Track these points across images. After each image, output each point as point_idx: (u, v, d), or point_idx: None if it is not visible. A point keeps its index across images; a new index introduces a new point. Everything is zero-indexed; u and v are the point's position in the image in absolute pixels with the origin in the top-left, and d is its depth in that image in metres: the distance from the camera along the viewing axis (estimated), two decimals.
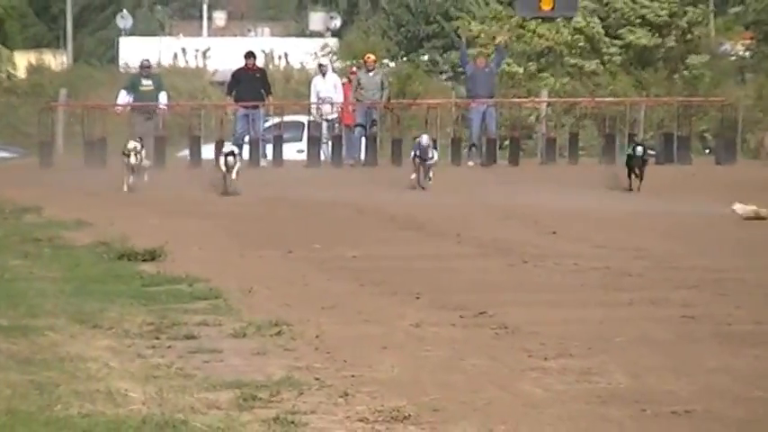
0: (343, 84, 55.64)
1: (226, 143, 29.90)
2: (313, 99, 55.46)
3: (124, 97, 53.69)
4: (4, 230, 30.45)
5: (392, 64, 62.21)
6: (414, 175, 42.32)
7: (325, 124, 55.05)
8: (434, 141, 45.82)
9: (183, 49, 72.86)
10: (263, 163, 52.07)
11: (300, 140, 54.40)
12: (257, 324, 18.14)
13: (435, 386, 14.40)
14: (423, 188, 40.92)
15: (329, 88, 55.16)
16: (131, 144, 28.61)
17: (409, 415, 12.96)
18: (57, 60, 76.64)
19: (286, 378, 14.67)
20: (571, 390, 14.69)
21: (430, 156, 43.18)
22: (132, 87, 53.58)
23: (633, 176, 40.83)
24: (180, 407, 13.32)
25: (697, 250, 28.42)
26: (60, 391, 13.94)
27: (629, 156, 41.17)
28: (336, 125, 54.97)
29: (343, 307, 19.88)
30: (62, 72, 73.19)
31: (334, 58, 69.82)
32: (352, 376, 14.80)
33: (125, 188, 26.96)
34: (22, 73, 73.45)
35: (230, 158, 26.45)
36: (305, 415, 13.17)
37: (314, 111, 55.44)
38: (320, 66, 58.64)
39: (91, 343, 16.72)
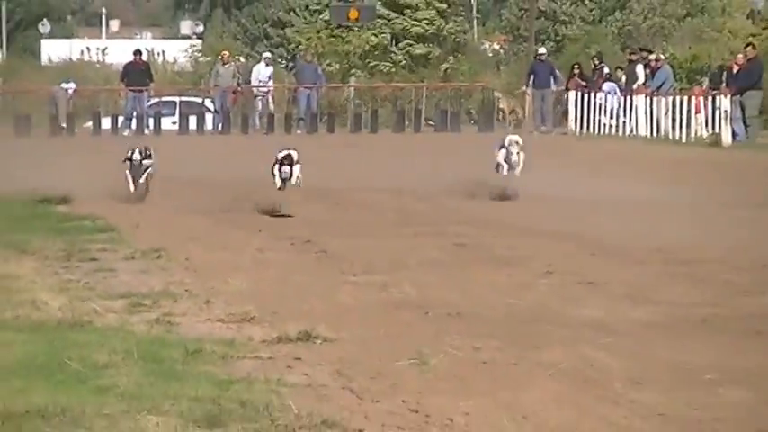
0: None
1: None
2: (254, 81, 55.72)
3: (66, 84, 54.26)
4: None
5: (242, 59, 62.12)
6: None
7: (260, 100, 55.28)
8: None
9: (88, 48, 73.14)
10: (146, 132, 50.80)
11: (174, 115, 53.58)
12: (142, 250, 18.23)
13: (273, 296, 14.51)
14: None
15: (266, 75, 55.77)
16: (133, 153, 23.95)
17: (254, 317, 13.00)
18: None
19: (164, 290, 14.76)
20: (373, 298, 14.85)
21: None
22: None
23: None
24: (86, 311, 13.26)
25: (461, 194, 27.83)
26: None
27: None
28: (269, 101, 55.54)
29: (205, 238, 19.91)
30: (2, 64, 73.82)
31: (199, 54, 70.54)
32: (212, 288, 14.84)
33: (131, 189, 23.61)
34: None
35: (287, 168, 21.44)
36: (178, 317, 13.22)
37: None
38: (266, 58, 58.56)
39: (19, 264, 16.66)
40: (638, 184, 28.30)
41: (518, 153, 25.62)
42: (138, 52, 56.31)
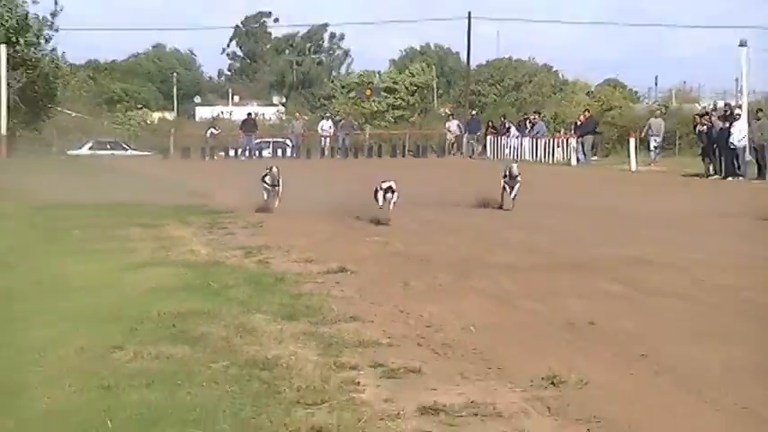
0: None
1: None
2: (319, 130, 54.12)
3: (211, 130, 54.19)
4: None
5: (306, 117, 61.69)
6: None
7: (323, 139, 53.43)
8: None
9: (222, 111, 72.49)
10: (253, 157, 50.23)
11: (269, 148, 53.73)
12: (251, 223, 17.67)
13: (323, 249, 13.92)
14: None
15: (327, 126, 53.95)
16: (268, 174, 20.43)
17: (313, 259, 12.74)
18: None
19: (263, 245, 14.30)
20: (379, 250, 14.30)
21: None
22: None
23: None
24: (221, 256, 13.16)
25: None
26: (171, 250, 13.74)
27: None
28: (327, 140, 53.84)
29: (291, 220, 18.65)
30: (175, 120, 72.48)
31: (283, 115, 70.04)
32: (291, 245, 14.36)
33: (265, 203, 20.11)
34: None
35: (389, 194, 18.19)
36: (271, 259, 12.98)
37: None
38: (327, 117, 57.10)
39: (184, 230, 16.49)
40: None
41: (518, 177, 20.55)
42: (249, 114, 55.86)
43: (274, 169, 19.70)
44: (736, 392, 6.73)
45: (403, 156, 52.62)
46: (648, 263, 12.94)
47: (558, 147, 45.12)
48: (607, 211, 21.28)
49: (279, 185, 19.68)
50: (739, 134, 31.75)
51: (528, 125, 48.33)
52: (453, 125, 54.67)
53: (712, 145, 33.03)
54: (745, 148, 31.76)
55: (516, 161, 22.55)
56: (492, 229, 17.54)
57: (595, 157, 46.58)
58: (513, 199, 20.35)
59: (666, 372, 7.37)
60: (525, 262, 13.18)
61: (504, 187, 20.51)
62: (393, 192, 18.11)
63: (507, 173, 20.54)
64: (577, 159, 43.35)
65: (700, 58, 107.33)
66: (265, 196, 19.64)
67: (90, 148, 50.85)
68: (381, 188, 18.20)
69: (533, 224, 18.29)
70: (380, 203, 18.07)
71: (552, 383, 6.91)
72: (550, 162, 44.20)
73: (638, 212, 21.06)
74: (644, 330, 8.82)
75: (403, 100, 69.80)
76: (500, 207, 20.48)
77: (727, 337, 8.52)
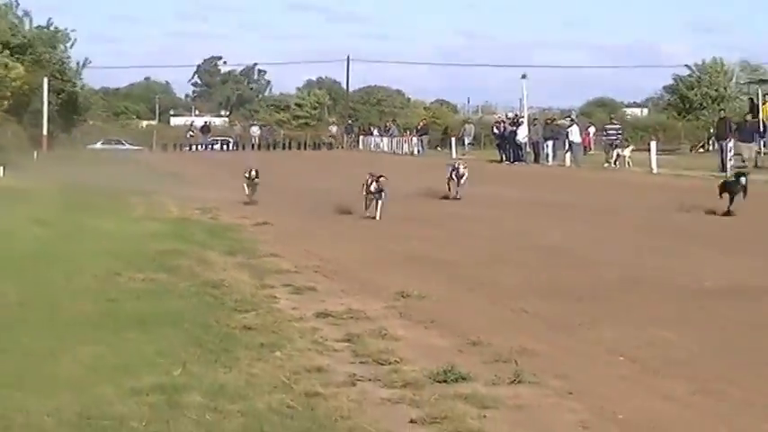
0: None
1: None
2: (251, 132, 50.64)
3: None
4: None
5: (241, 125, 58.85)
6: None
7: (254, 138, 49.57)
8: None
9: (188, 120, 70.12)
10: (207, 150, 48.07)
11: (218, 144, 51.09)
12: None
13: (251, 210, 13.01)
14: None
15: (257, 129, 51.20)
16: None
17: (248, 216, 12.00)
18: None
19: (213, 206, 13.57)
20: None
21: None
22: None
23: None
24: (189, 214, 12.63)
25: None
26: (156, 211, 13.53)
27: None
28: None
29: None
30: (157, 126, 69.63)
31: (227, 122, 66.09)
32: (240, 206, 13.62)
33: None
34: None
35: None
36: (221, 216, 12.58)
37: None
38: (256, 124, 53.94)
39: (164, 197, 15.64)
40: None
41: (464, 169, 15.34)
42: (206, 122, 55.00)
43: (253, 172, 14.85)
44: (524, 300, 6.75)
45: (305, 149, 51.52)
46: (462, 217, 12.87)
47: (406, 143, 44.48)
48: (436, 184, 21.01)
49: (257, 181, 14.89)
50: (522, 134, 32.61)
51: (385, 129, 47.80)
52: (334, 129, 53.48)
53: (504, 141, 33.70)
54: (525, 143, 32.55)
55: (461, 160, 16.60)
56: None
57: (430, 150, 46.27)
58: (458, 189, 15.45)
59: (477, 287, 7.37)
60: (384, 216, 12.41)
61: (450, 178, 15.47)
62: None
63: (452, 169, 15.59)
64: (418, 151, 43.08)
65: (498, 84, 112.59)
66: (247, 190, 14.85)
67: (101, 144, 50.08)
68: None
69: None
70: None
71: (402, 297, 6.83)
72: (401, 153, 43.91)
73: None
74: (460, 259, 8.81)
75: (308, 113, 66.92)
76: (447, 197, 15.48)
77: (518, 264, 8.53)
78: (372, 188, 12.16)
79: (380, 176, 12.15)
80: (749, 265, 8.36)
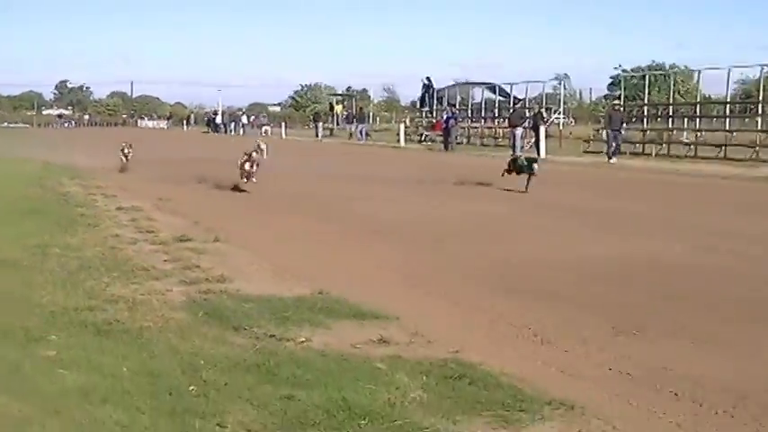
0: None
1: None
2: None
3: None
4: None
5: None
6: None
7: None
8: None
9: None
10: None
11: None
12: (108, 170, 16.37)
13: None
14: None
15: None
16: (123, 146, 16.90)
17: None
18: None
19: (105, 185, 13.76)
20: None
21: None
22: None
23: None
24: (90, 192, 12.54)
25: None
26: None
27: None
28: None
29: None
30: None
31: None
32: (109, 179, 14.77)
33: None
34: None
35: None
36: (110, 191, 12.92)
37: None
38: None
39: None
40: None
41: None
42: (61, 113, 78.90)
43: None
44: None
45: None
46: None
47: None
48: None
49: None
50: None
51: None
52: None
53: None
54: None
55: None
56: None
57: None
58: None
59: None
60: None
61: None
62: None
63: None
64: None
65: None
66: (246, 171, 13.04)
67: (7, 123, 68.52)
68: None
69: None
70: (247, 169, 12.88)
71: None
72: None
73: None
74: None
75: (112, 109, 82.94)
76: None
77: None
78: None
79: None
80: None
